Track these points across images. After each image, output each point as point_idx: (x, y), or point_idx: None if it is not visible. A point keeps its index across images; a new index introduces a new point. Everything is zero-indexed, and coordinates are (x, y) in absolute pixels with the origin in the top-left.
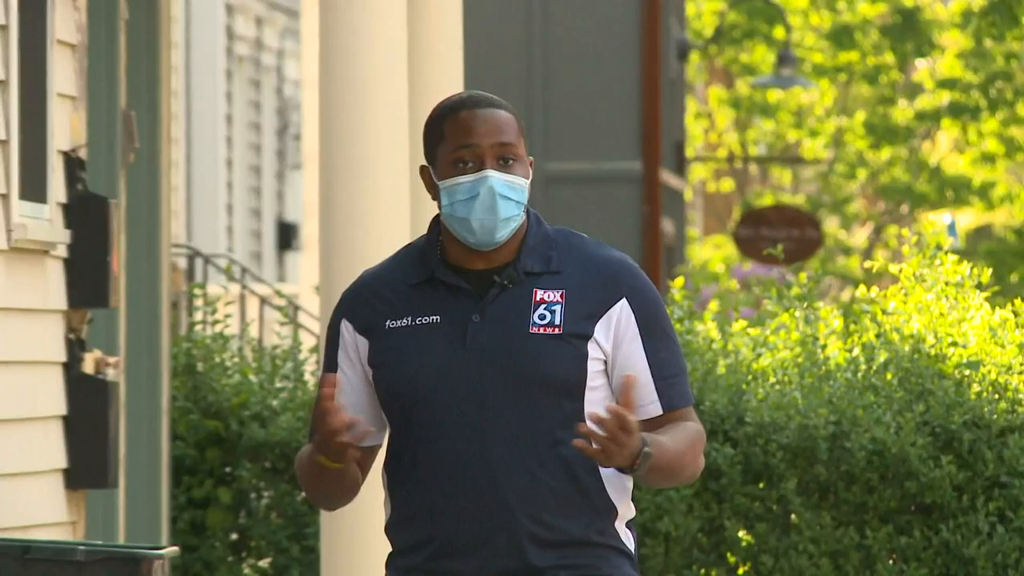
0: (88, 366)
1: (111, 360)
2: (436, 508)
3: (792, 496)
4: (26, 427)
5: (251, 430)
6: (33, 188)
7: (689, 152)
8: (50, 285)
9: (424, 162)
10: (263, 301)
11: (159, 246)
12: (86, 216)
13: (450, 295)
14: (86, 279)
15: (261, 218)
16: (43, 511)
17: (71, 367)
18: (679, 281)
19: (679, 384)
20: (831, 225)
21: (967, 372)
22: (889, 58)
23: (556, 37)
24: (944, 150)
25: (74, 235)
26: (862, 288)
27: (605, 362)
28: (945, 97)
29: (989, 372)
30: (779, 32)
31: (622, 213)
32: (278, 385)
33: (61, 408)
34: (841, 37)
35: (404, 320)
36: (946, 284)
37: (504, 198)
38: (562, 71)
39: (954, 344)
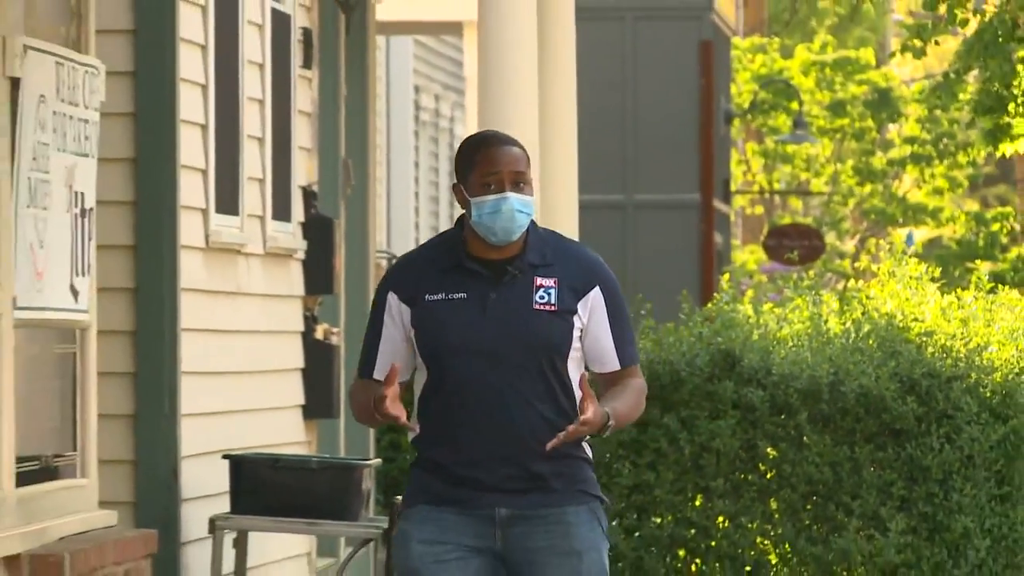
0: (319, 334)
1: (334, 330)
2: (461, 433)
3: (804, 424)
4: (278, 376)
5: None
6: (281, 211)
7: (733, 187)
8: (292, 279)
9: (456, 182)
10: None
11: (367, 252)
12: (317, 231)
13: (473, 278)
14: (317, 274)
15: (438, 232)
16: (288, 434)
17: (307, 335)
18: (726, 277)
19: (630, 349)
20: (830, 237)
21: (924, 339)
22: (870, 123)
23: (642, 107)
24: (908, 186)
25: (309, 244)
26: (852, 281)
27: (581, 330)
28: (908, 150)
29: (939, 339)
30: (794, 105)
31: (686, 230)
32: None
33: (300, 363)
34: (837, 108)
35: (439, 295)
36: (910, 278)
37: (519, 212)
38: (646, 130)
39: (915, 320)
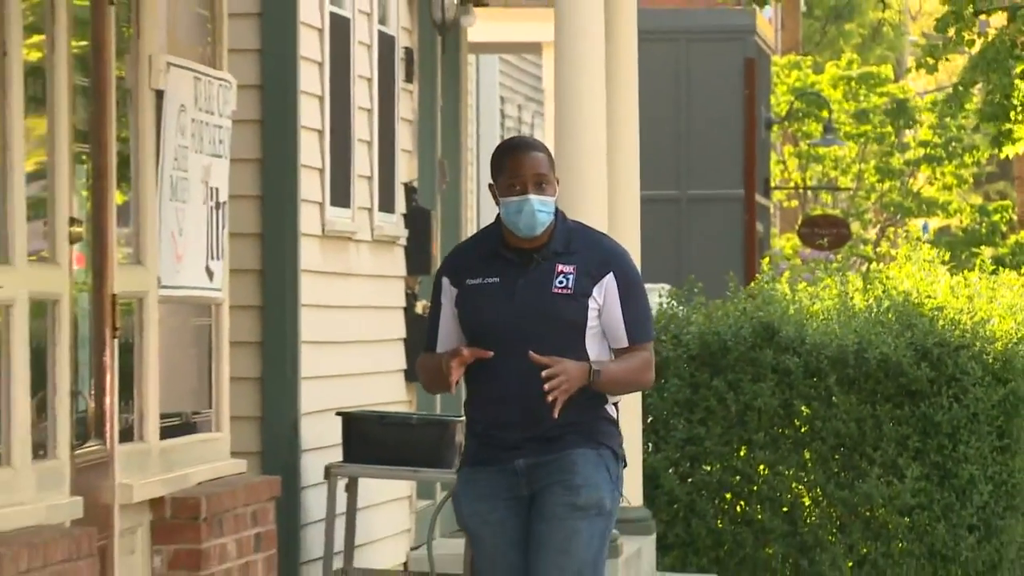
0: (418, 309)
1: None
2: (493, 399)
3: (833, 386)
4: (385, 345)
5: None
6: (386, 204)
7: (772, 184)
8: (396, 262)
9: (491, 182)
10: None
11: (459, 239)
12: (417, 221)
13: (506, 265)
14: (417, 258)
15: None
16: (392, 394)
17: (408, 310)
18: (766, 261)
19: (642, 328)
20: (855, 227)
21: (936, 313)
22: (889, 128)
23: (694, 115)
24: (921, 183)
25: (410, 232)
26: (874, 264)
27: (599, 310)
28: (922, 152)
29: (949, 313)
30: (825, 113)
31: (732, 220)
32: None
33: (402, 334)
34: (861, 116)
35: (478, 279)
36: (923, 262)
37: (539, 211)
38: (698, 135)
39: (928, 297)
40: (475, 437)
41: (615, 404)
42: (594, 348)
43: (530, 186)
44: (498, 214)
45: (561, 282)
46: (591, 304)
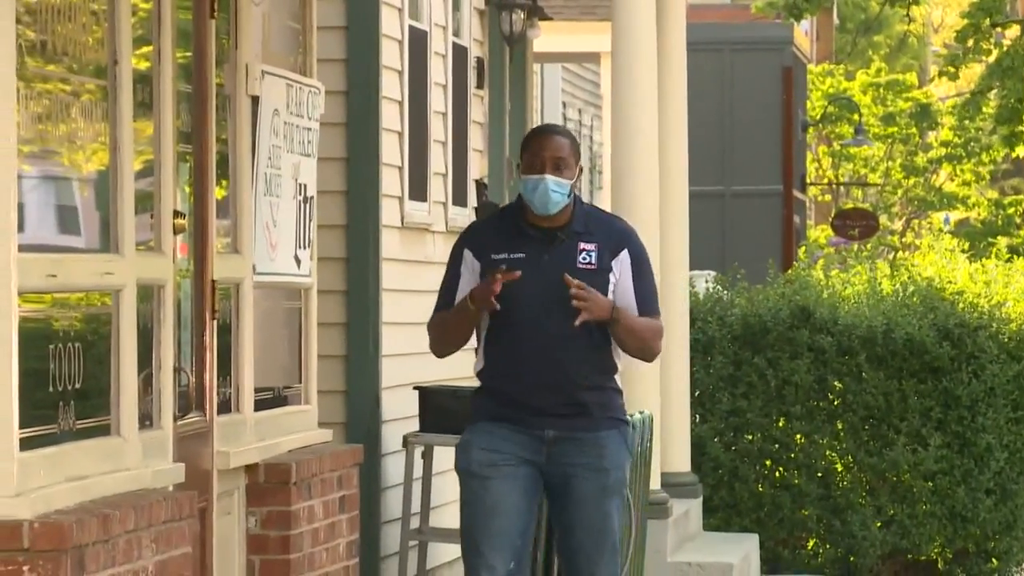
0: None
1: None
2: (517, 366)
3: (863, 363)
4: None
5: None
6: (459, 198)
7: (808, 180)
8: None
9: (517, 162)
10: None
11: None
12: (487, 214)
13: (530, 241)
14: None
15: None
16: (464, 371)
17: None
18: (803, 249)
19: (652, 300)
20: (883, 219)
21: (956, 297)
22: (913, 129)
23: (737, 118)
24: (943, 179)
25: None
26: (900, 253)
27: (614, 284)
28: (943, 151)
29: (968, 297)
30: (855, 117)
31: (771, 213)
32: None
33: None
34: (888, 119)
35: (503, 254)
36: (945, 250)
37: (553, 191)
38: (740, 136)
39: (949, 282)
40: (495, 399)
41: (618, 376)
42: None
43: (548, 167)
44: (518, 196)
45: (585, 258)
46: (610, 278)
